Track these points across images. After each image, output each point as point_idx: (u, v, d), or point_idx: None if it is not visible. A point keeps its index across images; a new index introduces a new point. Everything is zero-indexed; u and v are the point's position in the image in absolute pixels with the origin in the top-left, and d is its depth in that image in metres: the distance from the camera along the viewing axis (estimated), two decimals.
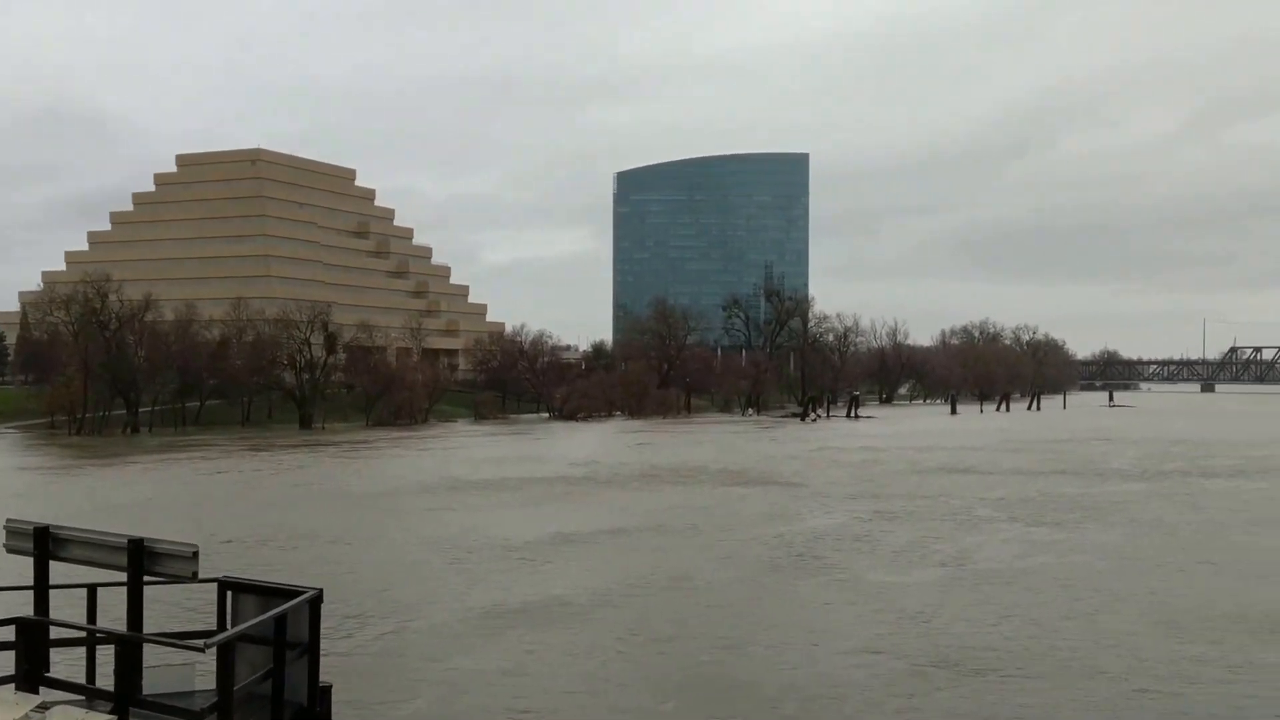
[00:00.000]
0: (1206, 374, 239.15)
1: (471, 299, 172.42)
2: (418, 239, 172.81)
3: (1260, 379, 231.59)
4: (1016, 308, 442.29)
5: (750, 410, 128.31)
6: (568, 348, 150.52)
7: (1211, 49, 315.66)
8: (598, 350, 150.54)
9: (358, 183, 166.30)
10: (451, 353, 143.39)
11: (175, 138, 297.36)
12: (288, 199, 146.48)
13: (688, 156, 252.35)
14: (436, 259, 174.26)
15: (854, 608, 20.88)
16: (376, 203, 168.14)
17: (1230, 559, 26.75)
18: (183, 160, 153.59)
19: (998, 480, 49.03)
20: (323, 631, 7.80)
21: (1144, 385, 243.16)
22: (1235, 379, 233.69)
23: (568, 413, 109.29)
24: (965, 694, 14.98)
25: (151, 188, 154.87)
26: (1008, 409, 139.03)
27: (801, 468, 55.74)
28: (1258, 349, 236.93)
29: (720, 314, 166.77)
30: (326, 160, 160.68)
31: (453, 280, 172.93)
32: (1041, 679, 15.87)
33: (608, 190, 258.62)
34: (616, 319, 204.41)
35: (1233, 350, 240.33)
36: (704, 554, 28.32)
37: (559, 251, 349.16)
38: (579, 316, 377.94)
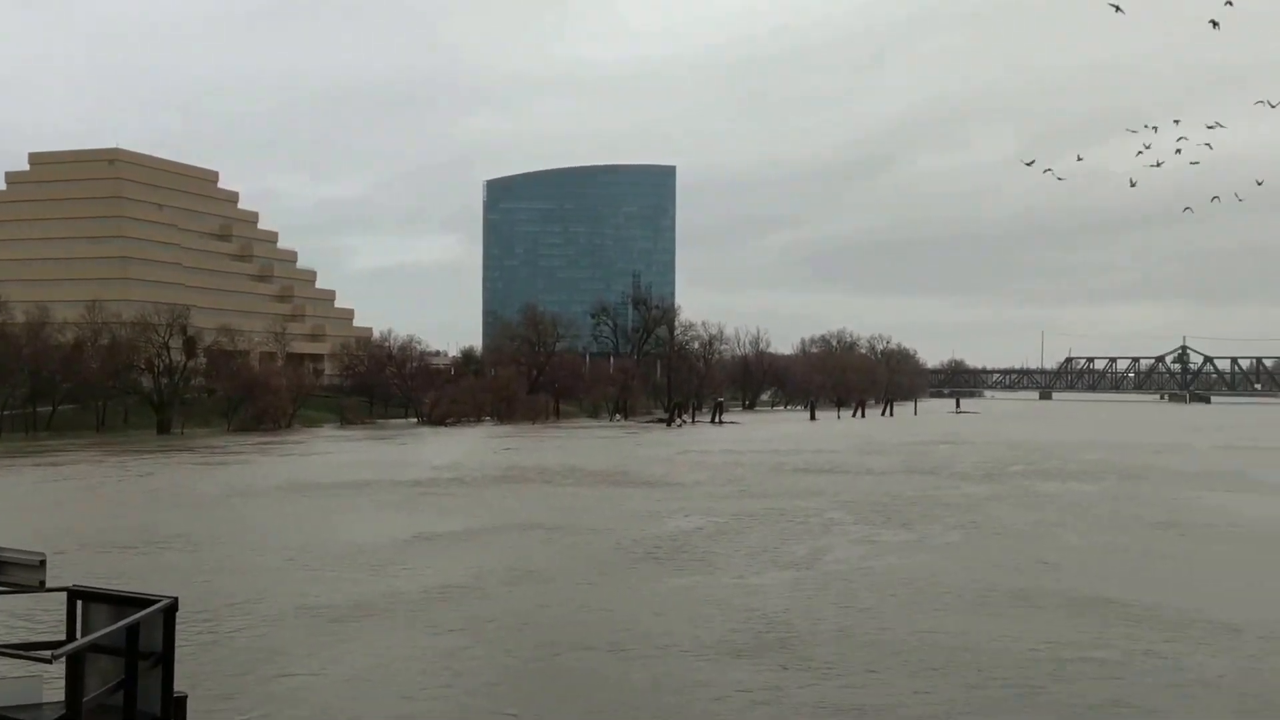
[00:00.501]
0: (1045, 382, 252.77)
1: (339, 304, 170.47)
2: (285, 243, 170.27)
3: (1093, 387, 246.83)
4: (872, 318, 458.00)
5: (618, 416, 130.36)
6: (437, 353, 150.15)
7: (1050, 79, 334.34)
8: (467, 356, 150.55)
9: (221, 185, 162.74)
10: (317, 358, 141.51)
11: (32, 137, 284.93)
12: (147, 200, 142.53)
13: (557, 166, 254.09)
14: (303, 263, 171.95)
15: (708, 608, 21.66)
16: (241, 205, 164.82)
17: (1063, 558, 29.12)
18: (36, 159, 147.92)
19: (850, 482, 51.79)
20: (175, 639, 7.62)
21: (988, 392, 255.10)
22: (1070, 387, 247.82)
23: (436, 418, 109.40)
24: (808, 695, 15.95)
25: (2, 186, 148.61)
26: (863, 415, 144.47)
27: (665, 471, 57.68)
28: (1090, 359, 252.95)
29: (589, 321, 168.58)
30: (191, 162, 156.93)
31: (319, 285, 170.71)
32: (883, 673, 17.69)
33: (478, 198, 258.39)
34: (486, 325, 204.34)
35: (1068, 360, 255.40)
36: (561, 553, 29.62)
37: (429, 258, 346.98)
38: (449, 323, 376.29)
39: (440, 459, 62.86)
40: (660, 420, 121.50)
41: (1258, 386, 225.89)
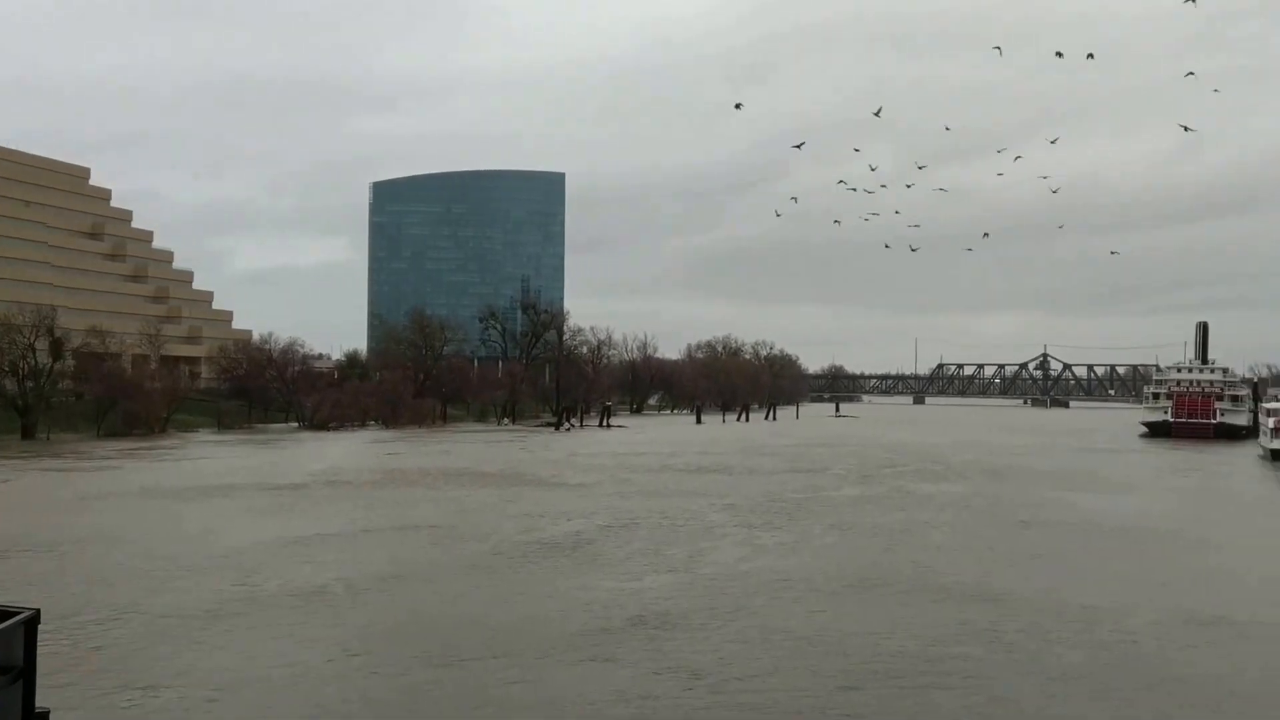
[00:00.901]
0: (918, 387, 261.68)
1: (218, 305, 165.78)
2: (163, 243, 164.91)
3: (962, 392, 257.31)
4: (756, 325, 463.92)
5: (506, 420, 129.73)
6: (320, 356, 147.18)
7: (924, 98, 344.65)
8: (352, 359, 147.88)
9: (92, 182, 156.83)
10: (194, 360, 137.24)
11: None
12: (11, 196, 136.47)
13: (446, 170, 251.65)
14: (183, 264, 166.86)
15: (584, 614, 21.77)
16: (113, 204, 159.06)
17: (933, 558, 30.12)
18: None
19: (733, 483, 52.61)
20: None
21: (865, 397, 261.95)
22: (942, 392, 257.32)
23: (319, 422, 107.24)
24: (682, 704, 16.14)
25: None
26: (747, 419, 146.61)
27: (551, 473, 57.75)
28: (960, 366, 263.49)
29: (477, 325, 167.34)
30: (67, 159, 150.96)
31: (196, 286, 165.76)
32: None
33: (365, 200, 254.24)
34: (372, 328, 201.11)
35: (940, 366, 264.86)
36: (435, 554, 29.48)
37: (314, 260, 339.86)
38: (333, 326, 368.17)
39: (318, 464, 61.76)
40: (549, 424, 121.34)
41: (1111, 392, 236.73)
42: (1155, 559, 31.32)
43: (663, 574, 27.00)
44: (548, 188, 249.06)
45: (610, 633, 20.30)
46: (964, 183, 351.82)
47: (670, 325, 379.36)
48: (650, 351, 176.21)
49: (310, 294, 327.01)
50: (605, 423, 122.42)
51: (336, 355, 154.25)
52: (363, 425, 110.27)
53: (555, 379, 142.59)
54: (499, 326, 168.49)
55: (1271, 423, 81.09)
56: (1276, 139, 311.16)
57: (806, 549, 31.30)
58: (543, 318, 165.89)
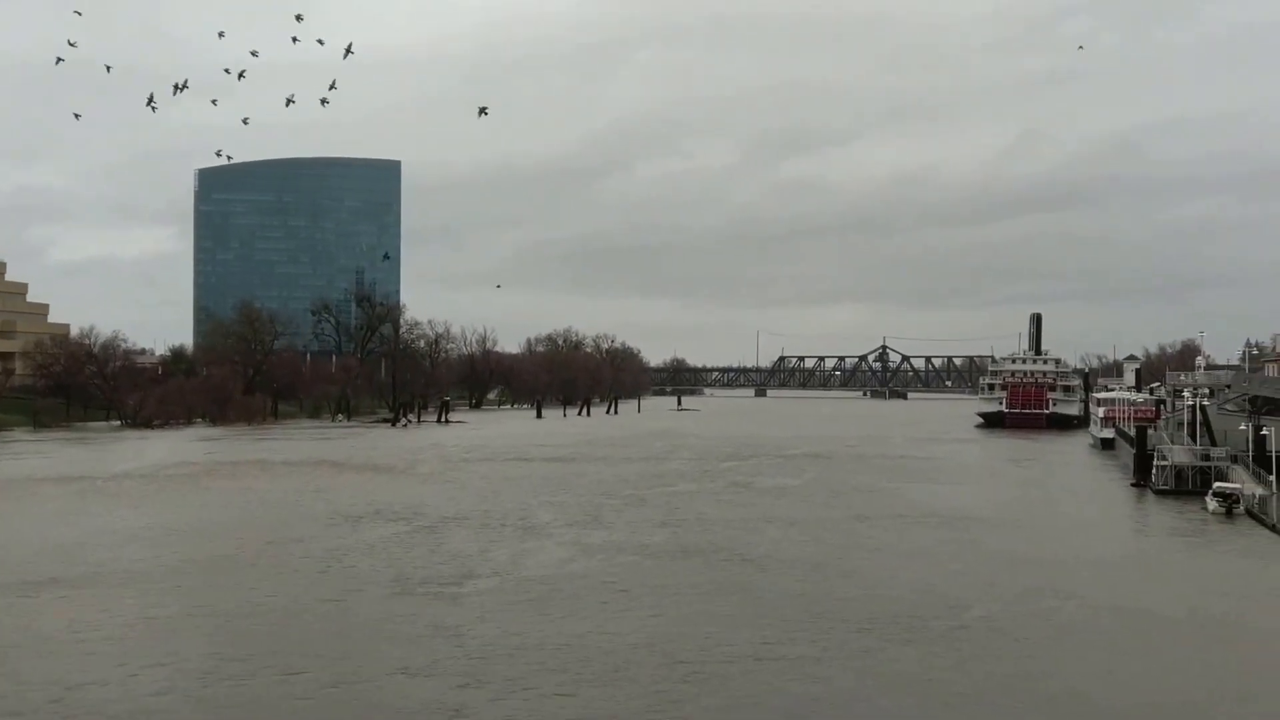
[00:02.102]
0: (760, 380, 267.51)
1: (31, 298, 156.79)
2: None
3: (804, 384, 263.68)
4: (597, 318, 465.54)
5: (340, 416, 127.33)
6: (143, 352, 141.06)
7: (762, 92, 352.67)
8: (177, 355, 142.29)
9: None
10: (7, 356, 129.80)
11: None
12: None
13: (277, 157, 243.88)
14: None
15: (399, 624, 21.79)
16: None
17: (765, 551, 31.17)
18: None
19: (566, 480, 53.26)
20: None
21: (708, 390, 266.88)
22: (784, 384, 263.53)
23: (143, 420, 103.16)
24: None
25: None
26: (589, 413, 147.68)
27: (376, 473, 57.13)
28: (801, 358, 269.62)
29: (310, 319, 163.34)
30: None
31: (8, 278, 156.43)
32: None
33: (190, 188, 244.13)
34: (198, 322, 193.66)
35: (781, 359, 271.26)
36: (243, 570, 29.00)
37: (137, 251, 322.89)
38: (158, 320, 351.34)
39: (132, 463, 59.78)
40: (385, 420, 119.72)
41: (948, 384, 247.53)
42: (981, 548, 33.47)
43: (484, 578, 26.88)
44: (383, 176, 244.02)
45: (416, 641, 20.27)
46: (807, 177, 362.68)
47: (511, 318, 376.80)
48: (490, 345, 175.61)
49: (133, 287, 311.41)
50: (444, 418, 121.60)
51: (161, 350, 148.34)
52: (188, 423, 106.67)
53: (392, 373, 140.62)
54: (333, 320, 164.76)
55: (1102, 412, 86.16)
56: (1107, 135, 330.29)
57: (632, 548, 31.65)
58: (378, 310, 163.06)
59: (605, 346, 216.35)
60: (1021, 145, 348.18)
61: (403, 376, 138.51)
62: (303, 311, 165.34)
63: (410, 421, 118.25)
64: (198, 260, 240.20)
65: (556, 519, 38.25)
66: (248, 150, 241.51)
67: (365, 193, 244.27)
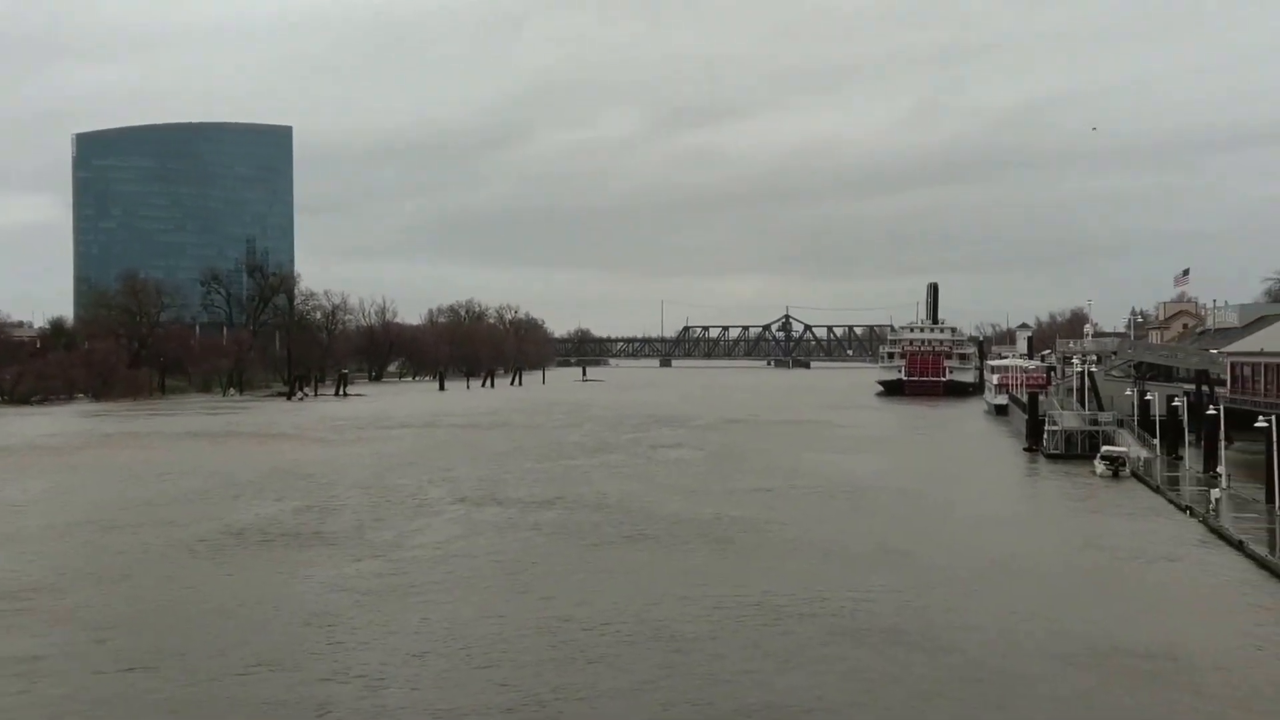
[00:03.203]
0: (665, 350, 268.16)
1: None
2: None
3: (708, 354, 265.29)
4: (500, 289, 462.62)
5: (232, 390, 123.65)
6: (20, 325, 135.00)
7: (663, 64, 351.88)
8: (56, 327, 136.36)
9: None
10: None
11: None
12: None
13: (160, 122, 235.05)
14: None
15: (261, 609, 21.24)
16: None
17: (659, 530, 30.69)
18: None
19: (464, 454, 52.31)
20: None
21: (613, 361, 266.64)
22: (688, 354, 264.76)
23: (20, 396, 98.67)
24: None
25: None
26: (492, 384, 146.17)
27: (266, 449, 55.47)
28: (705, 328, 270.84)
29: (199, 289, 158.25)
30: None
31: None
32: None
33: (69, 154, 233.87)
34: (79, 294, 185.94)
35: (685, 329, 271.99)
36: (113, 549, 27.90)
37: (12, 220, 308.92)
38: (38, 292, 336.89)
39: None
40: (280, 394, 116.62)
41: (850, 353, 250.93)
42: (877, 511, 33.69)
43: (365, 560, 25.92)
44: (273, 142, 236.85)
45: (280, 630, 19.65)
46: (709, 148, 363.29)
47: (412, 289, 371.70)
48: (390, 316, 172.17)
49: (9, 257, 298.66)
50: (342, 391, 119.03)
51: (40, 323, 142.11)
52: (71, 399, 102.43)
53: (286, 346, 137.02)
54: (223, 290, 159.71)
55: (995, 379, 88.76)
56: (1002, 108, 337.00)
57: (525, 526, 31.05)
58: (271, 281, 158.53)
59: (509, 317, 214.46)
60: (917, 117, 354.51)
61: (299, 349, 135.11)
62: (191, 282, 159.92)
63: (306, 395, 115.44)
64: (78, 229, 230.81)
65: (446, 496, 37.42)
66: (130, 117, 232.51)
67: (255, 159, 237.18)
